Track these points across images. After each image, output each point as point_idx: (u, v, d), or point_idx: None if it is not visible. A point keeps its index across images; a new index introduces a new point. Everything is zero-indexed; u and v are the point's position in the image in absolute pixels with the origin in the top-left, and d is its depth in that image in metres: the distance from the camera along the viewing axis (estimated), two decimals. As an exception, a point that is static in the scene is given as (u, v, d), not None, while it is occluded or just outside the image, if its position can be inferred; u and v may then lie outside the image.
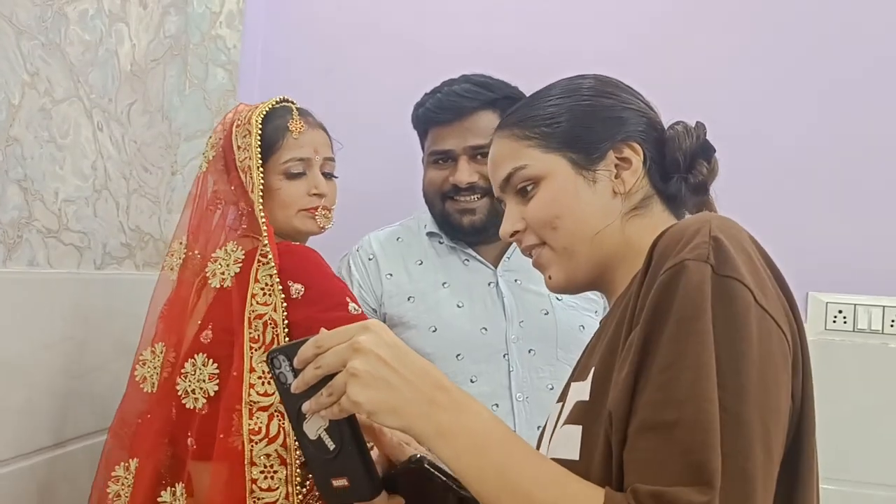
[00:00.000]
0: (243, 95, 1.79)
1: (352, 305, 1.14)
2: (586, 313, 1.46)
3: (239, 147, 1.22)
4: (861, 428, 1.50)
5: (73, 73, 1.33)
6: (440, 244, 1.48)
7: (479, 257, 1.46)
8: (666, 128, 0.85)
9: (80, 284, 1.37)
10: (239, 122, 1.24)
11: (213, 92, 1.78)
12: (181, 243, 1.28)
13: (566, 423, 0.74)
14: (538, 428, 1.32)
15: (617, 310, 0.75)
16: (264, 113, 1.23)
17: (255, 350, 1.12)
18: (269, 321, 1.12)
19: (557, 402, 0.84)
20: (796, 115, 1.65)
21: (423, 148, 1.48)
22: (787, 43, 1.68)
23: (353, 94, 1.79)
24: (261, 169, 1.21)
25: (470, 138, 1.38)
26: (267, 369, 1.09)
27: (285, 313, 1.13)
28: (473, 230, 1.42)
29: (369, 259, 1.47)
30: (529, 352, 1.40)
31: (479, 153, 1.39)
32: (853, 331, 1.54)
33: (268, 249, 1.17)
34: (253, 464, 1.08)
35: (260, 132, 1.21)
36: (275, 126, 1.24)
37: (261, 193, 1.20)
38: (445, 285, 1.43)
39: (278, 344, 1.10)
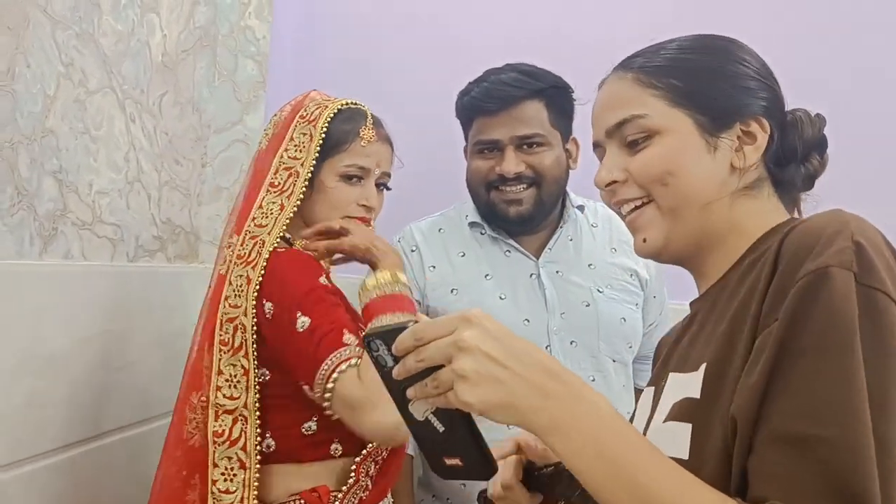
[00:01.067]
0: (273, 87, 1.78)
1: (301, 321, 1.07)
2: (627, 305, 1.43)
3: (292, 140, 1.19)
4: None
5: (106, 63, 1.32)
6: (482, 235, 1.46)
7: (520, 248, 1.44)
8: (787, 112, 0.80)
9: (113, 277, 1.36)
10: (304, 115, 1.20)
11: (242, 84, 1.76)
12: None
13: (669, 419, 0.69)
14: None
15: (728, 300, 0.70)
16: (331, 117, 1.19)
17: (225, 353, 1.10)
18: (239, 325, 1.10)
19: (648, 385, 0.80)
20: (829, 99, 1.61)
21: (466, 137, 1.45)
22: (813, 28, 1.64)
23: (384, 86, 1.76)
24: (307, 180, 1.16)
25: (517, 128, 1.36)
26: (235, 373, 1.09)
27: (255, 319, 1.09)
28: (520, 220, 1.39)
29: (412, 250, 1.45)
30: (571, 343, 1.38)
31: (525, 143, 1.37)
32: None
33: (246, 250, 1.13)
34: (215, 465, 1.08)
35: (323, 136, 1.18)
36: (346, 129, 1.20)
37: (299, 200, 1.16)
38: (488, 277, 1.41)
39: (246, 347, 1.09)
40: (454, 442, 0.65)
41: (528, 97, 1.36)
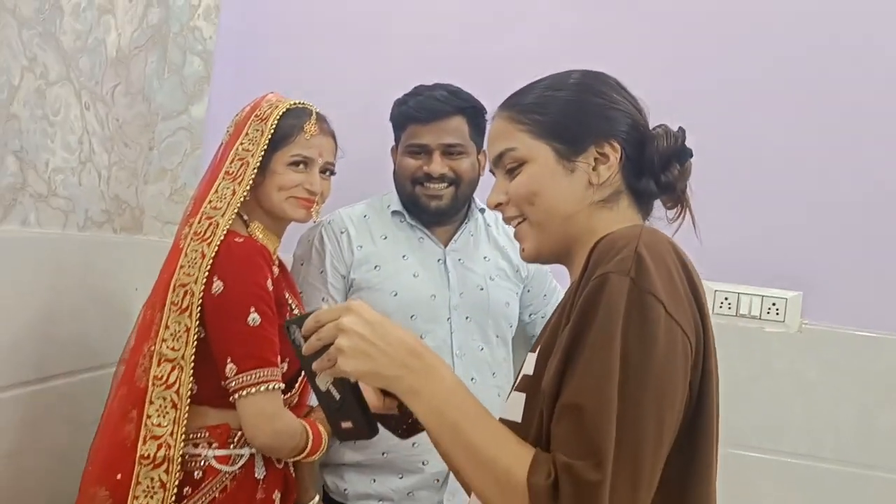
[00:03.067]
0: (217, 82, 1.98)
1: (252, 316, 1.30)
2: (510, 293, 1.73)
3: (247, 135, 1.41)
4: (739, 399, 1.74)
5: (65, 59, 1.51)
6: (401, 222, 1.71)
7: (432, 237, 1.70)
8: (650, 129, 0.94)
9: (64, 243, 1.56)
10: (258, 114, 1.42)
11: (189, 77, 1.96)
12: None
13: (516, 389, 0.88)
14: (472, 380, 1.63)
15: (568, 296, 0.86)
16: (281, 114, 1.41)
17: (174, 312, 1.31)
18: (189, 291, 1.31)
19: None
20: (691, 116, 1.82)
21: (397, 138, 1.70)
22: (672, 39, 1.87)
23: (317, 89, 1.95)
24: (256, 168, 1.37)
25: (444, 137, 1.62)
26: (178, 329, 1.31)
27: (203, 287, 1.30)
28: (438, 213, 1.66)
29: (341, 233, 1.69)
30: (466, 318, 1.66)
31: (450, 150, 1.63)
32: (735, 315, 1.78)
33: (202, 229, 1.34)
34: (151, 402, 1.30)
35: (273, 129, 1.39)
36: (292, 123, 1.42)
37: (249, 186, 1.37)
38: (405, 258, 1.67)
39: (192, 309, 1.30)
40: (346, 408, 0.84)
41: (454, 113, 1.63)
